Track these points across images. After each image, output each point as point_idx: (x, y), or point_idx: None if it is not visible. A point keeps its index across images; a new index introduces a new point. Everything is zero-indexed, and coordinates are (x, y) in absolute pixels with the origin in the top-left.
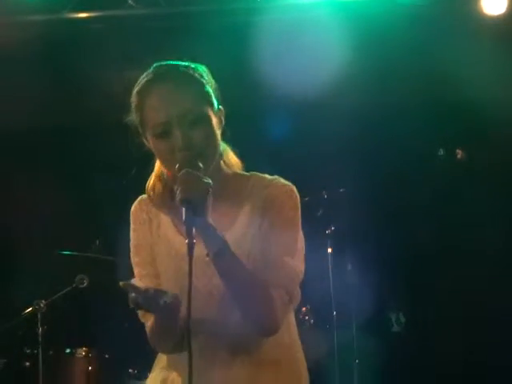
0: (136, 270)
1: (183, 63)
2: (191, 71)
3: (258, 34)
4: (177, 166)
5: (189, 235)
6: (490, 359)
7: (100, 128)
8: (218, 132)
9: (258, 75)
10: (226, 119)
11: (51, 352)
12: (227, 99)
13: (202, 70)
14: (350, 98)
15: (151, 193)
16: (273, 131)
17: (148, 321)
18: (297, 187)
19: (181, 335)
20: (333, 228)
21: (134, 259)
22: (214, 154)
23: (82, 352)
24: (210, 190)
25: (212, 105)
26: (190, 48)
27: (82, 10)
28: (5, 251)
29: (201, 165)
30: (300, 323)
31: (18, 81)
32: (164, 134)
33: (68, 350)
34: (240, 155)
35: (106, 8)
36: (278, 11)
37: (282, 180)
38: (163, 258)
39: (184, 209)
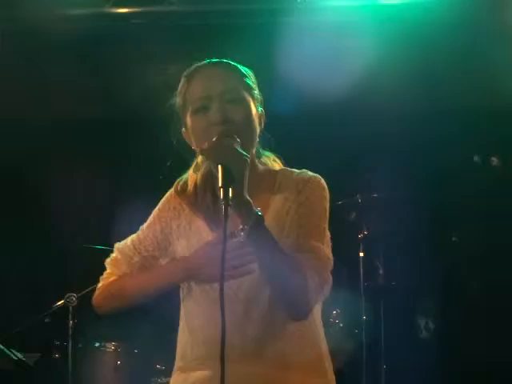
0: (139, 235)
1: (230, 60)
2: (238, 66)
3: (299, 36)
4: (214, 138)
5: (225, 198)
6: None
7: (137, 123)
8: (257, 124)
9: (295, 77)
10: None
11: (80, 345)
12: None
13: (249, 71)
14: (386, 102)
15: (180, 189)
16: (307, 133)
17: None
18: (330, 190)
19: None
20: (365, 232)
21: (144, 227)
22: (251, 137)
23: (111, 346)
24: (248, 161)
25: (254, 97)
26: (228, 46)
27: (123, 6)
28: (38, 244)
29: (238, 140)
30: (329, 326)
31: (59, 74)
32: (203, 108)
33: (97, 344)
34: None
35: (147, 4)
36: (321, 13)
37: (310, 172)
38: (192, 248)
39: (220, 170)
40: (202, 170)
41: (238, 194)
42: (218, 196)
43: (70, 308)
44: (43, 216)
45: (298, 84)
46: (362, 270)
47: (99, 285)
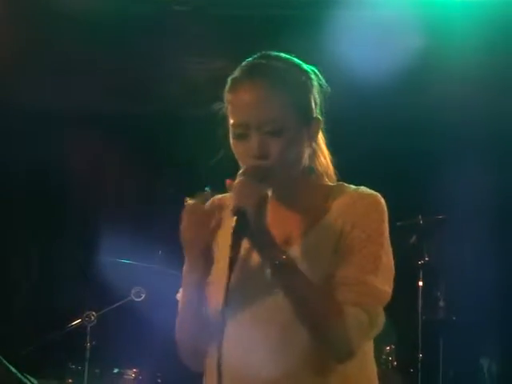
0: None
1: (285, 58)
2: (290, 71)
3: (359, 30)
4: (239, 172)
5: (233, 248)
6: None
7: (174, 122)
8: (305, 145)
9: (349, 75)
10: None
11: (98, 370)
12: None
13: (305, 70)
14: (453, 107)
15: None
16: (361, 142)
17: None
18: (390, 209)
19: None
20: (426, 258)
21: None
22: (291, 168)
23: (131, 373)
24: (267, 199)
25: (303, 114)
26: (279, 40)
27: None
28: (55, 254)
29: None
30: (381, 364)
31: (89, 64)
32: (242, 136)
33: (116, 370)
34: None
35: None
36: (388, 7)
37: (367, 189)
38: (220, 264)
39: (235, 219)
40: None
41: (256, 236)
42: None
43: (88, 328)
44: (63, 223)
45: (353, 83)
46: (420, 301)
47: None
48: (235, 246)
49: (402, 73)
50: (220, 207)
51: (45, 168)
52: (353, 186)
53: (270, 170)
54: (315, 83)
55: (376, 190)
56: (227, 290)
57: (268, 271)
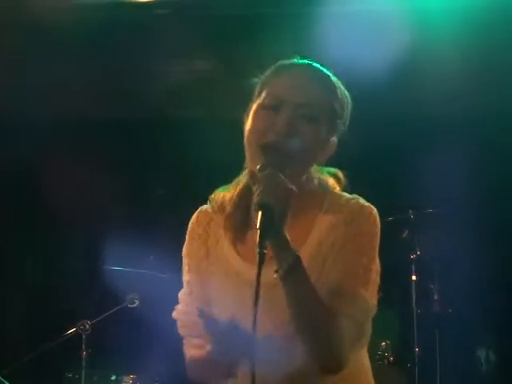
0: (185, 288)
1: (335, 78)
2: (339, 85)
3: (338, 27)
4: (258, 166)
5: (261, 245)
6: None
7: (159, 124)
8: (319, 151)
9: (344, 72)
10: None
11: (95, 378)
12: None
13: (347, 96)
14: (441, 102)
15: (215, 204)
16: (356, 139)
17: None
18: (381, 205)
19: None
20: (418, 252)
21: (184, 276)
22: (304, 162)
23: (129, 380)
24: (292, 195)
25: (332, 124)
26: (262, 38)
27: None
28: (48, 263)
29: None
30: (378, 360)
31: (74, 70)
32: (273, 107)
33: (113, 377)
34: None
35: None
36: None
37: (362, 200)
38: (220, 279)
39: (260, 213)
40: (239, 185)
41: (277, 234)
42: (251, 218)
43: (84, 336)
44: (55, 231)
45: (341, 79)
46: (414, 295)
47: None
48: (262, 242)
49: (391, 68)
50: (207, 220)
51: (37, 175)
52: (347, 195)
53: (289, 157)
54: (348, 113)
55: (367, 185)
56: (258, 290)
57: (279, 272)
